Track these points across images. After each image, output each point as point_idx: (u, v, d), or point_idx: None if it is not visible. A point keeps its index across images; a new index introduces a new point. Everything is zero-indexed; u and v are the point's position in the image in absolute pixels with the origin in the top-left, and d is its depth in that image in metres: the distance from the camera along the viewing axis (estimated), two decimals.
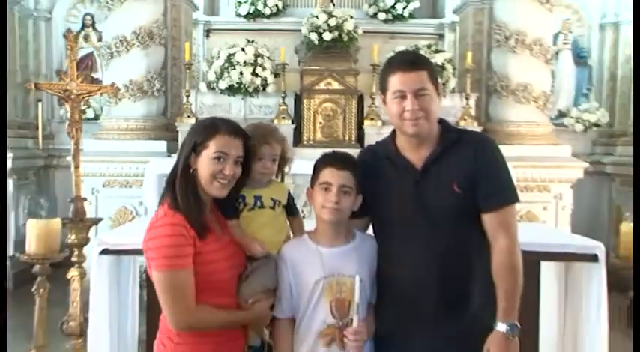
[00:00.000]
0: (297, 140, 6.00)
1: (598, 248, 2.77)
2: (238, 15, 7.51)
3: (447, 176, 2.10)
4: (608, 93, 7.82)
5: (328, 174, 2.12)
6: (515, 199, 2.14)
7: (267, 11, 7.40)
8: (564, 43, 7.73)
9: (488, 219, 2.10)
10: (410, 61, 2.14)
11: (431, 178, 2.11)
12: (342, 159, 2.16)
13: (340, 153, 2.21)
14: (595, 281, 2.77)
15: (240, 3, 7.47)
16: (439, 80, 2.18)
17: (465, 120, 6.07)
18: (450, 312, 2.10)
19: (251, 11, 7.40)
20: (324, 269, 2.11)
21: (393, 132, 2.24)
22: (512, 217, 2.13)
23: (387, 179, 2.16)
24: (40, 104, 7.26)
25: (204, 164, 2.07)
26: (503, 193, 2.12)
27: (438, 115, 2.16)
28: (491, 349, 2.05)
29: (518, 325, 2.08)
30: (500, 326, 2.06)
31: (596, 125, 7.47)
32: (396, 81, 2.10)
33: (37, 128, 7.21)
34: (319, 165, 2.16)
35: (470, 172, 2.09)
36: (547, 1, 6.27)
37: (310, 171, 2.18)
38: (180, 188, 2.06)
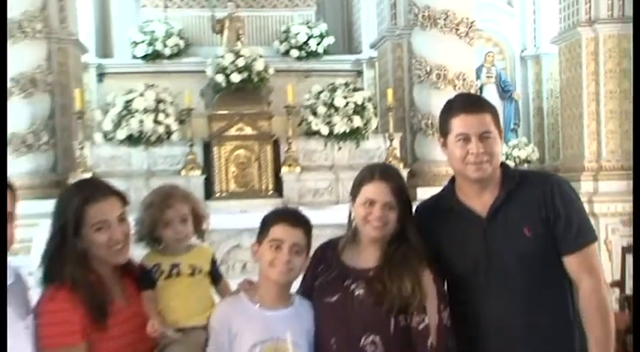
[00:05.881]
0: (209, 192, 5.98)
1: None
2: (135, 57, 7.52)
3: (516, 220, 2.18)
4: (536, 129, 8.15)
5: (280, 231, 2.16)
6: (595, 237, 2.24)
7: (168, 51, 7.43)
8: (488, 77, 8.04)
9: (570, 262, 2.18)
10: (474, 103, 2.26)
11: (499, 225, 2.19)
12: (294, 217, 2.21)
13: (292, 210, 2.27)
14: None
15: (136, 43, 7.47)
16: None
17: (390, 162, 6.09)
18: None
19: (149, 52, 7.42)
20: (263, 332, 2.12)
21: (451, 181, 2.32)
22: (593, 256, 2.21)
23: (451, 233, 2.23)
24: None
25: (93, 238, 2.06)
26: (582, 233, 2.19)
27: (500, 159, 2.25)
28: None
29: None
30: None
31: (527, 161, 7.73)
32: (459, 123, 2.19)
33: None
34: (269, 221, 2.20)
35: (543, 214, 2.17)
36: (466, 35, 6.45)
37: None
38: (69, 266, 2.04)
